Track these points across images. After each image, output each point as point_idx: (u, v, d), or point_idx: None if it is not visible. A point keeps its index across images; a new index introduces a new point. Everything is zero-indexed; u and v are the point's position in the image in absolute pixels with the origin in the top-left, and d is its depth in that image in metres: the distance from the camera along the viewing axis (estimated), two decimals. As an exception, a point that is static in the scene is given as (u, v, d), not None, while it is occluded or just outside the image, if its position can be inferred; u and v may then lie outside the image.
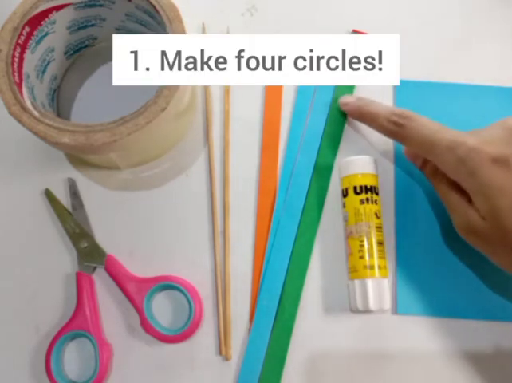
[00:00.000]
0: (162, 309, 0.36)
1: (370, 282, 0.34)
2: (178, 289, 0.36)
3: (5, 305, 0.37)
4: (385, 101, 0.40)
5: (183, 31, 0.33)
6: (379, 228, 0.35)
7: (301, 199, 0.38)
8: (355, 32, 0.41)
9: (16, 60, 0.33)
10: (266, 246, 0.37)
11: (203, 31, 0.42)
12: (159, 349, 0.36)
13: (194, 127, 0.40)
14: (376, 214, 0.35)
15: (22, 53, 0.34)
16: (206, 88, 0.40)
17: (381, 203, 0.36)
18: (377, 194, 0.36)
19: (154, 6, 0.34)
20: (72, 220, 0.37)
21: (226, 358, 0.35)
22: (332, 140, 0.39)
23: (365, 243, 0.35)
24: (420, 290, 0.36)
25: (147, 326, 0.35)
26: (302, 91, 0.40)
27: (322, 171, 0.38)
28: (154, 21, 0.36)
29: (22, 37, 0.33)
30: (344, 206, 0.37)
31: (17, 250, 0.38)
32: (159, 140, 0.37)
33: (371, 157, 0.37)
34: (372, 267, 0.34)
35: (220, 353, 0.35)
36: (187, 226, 0.38)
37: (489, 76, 0.40)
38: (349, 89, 0.40)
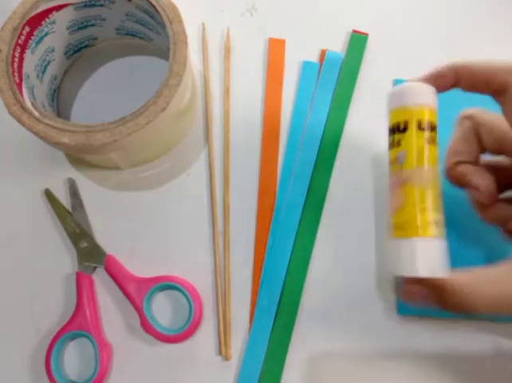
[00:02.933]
0: (162, 309, 0.36)
1: (437, 242, 0.27)
2: (178, 289, 0.36)
3: (5, 305, 0.37)
4: (385, 101, 0.40)
5: (182, 31, 0.33)
6: (439, 178, 0.28)
7: (301, 198, 0.38)
8: (355, 32, 0.41)
9: (16, 60, 0.33)
10: (266, 246, 0.37)
11: (203, 31, 0.42)
12: (159, 349, 0.36)
13: (194, 127, 0.40)
14: (437, 159, 0.28)
15: (22, 53, 0.34)
16: (206, 88, 0.40)
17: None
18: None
19: (154, 6, 0.34)
20: (72, 220, 0.37)
21: (226, 358, 0.35)
22: (332, 138, 0.39)
23: (430, 193, 0.27)
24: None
25: (147, 326, 0.35)
26: (303, 89, 0.40)
27: (323, 170, 0.38)
28: (154, 21, 0.36)
29: (22, 37, 0.33)
30: (396, 144, 0.28)
31: (17, 250, 0.38)
32: (159, 140, 0.37)
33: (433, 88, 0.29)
34: (437, 223, 0.27)
35: (220, 353, 0.35)
36: (187, 226, 0.38)
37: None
38: (349, 92, 0.40)
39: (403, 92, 0.29)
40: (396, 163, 0.29)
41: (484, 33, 0.42)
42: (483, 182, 0.29)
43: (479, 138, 0.30)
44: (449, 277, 0.27)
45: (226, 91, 0.40)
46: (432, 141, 0.28)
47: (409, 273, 0.27)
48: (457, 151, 0.31)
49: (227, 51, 0.41)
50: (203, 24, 0.42)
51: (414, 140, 0.28)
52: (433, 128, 0.28)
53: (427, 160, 0.28)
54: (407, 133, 0.28)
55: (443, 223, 0.28)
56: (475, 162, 0.30)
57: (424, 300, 0.28)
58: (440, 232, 0.27)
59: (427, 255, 0.27)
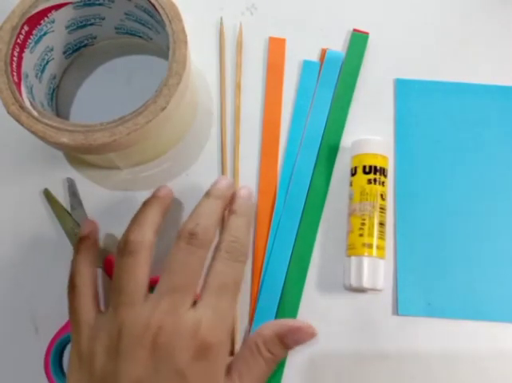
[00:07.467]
0: (161, 309, 0.36)
1: (366, 260, 0.34)
2: (177, 289, 0.35)
3: (4, 306, 0.37)
4: (385, 100, 0.40)
5: (182, 30, 0.33)
6: (382, 209, 0.35)
7: (301, 198, 0.38)
8: (356, 31, 0.41)
9: (15, 59, 0.33)
10: (266, 246, 0.37)
11: (221, 26, 0.41)
12: (159, 349, 0.35)
13: (194, 126, 0.40)
14: (381, 195, 0.35)
15: (21, 52, 0.33)
16: (221, 84, 0.40)
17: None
18: (385, 176, 0.36)
19: (153, 5, 0.33)
20: (71, 220, 0.37)
21: (226, 359, 0.35)
22: (332, 138, 0.39)
23: (367, 222, 0.35)
24: (421, 291, 0.36)
25: (146, 327, 0.34)
26: (303, 88, 0.40)
27: (323, 170, 0.38)
28: (153, 19, 0.36)
29: (21, 37, 0.33)
30: (351, 184, 0.37)
31: (16, 251, 0.37)
32: (158, 140, 0.37)
33: (383, 139, 0.37)
34: (370, 246, 0.34)
35: (220, 354, 0.35)
36: (186, 226, 0.37)
37: (489, 76, 0.40)
38: (350, 91, 0.40)
39: (357, 143, 0.37)
40: (349, 198, 0.37)
41: (484, 32, 0.42)
42: None
43: None
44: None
45: (237, 87, 0.40)
46: (374, 181, 0.35)
47: (346, 282, 0.35)
48: None
49: (239, 46, 0.41)
50: (221, 18, 0.41)
51: (358, 181, 0.36)
52: (377, 171, 0.35)
53: (367, 197, 0.35)
54: (356, 176, 0.36)
55: (382, 246, 0.35)
56: None
57: None
58: (378, 253, 0.34)
59: (362, 270, 0.34)
